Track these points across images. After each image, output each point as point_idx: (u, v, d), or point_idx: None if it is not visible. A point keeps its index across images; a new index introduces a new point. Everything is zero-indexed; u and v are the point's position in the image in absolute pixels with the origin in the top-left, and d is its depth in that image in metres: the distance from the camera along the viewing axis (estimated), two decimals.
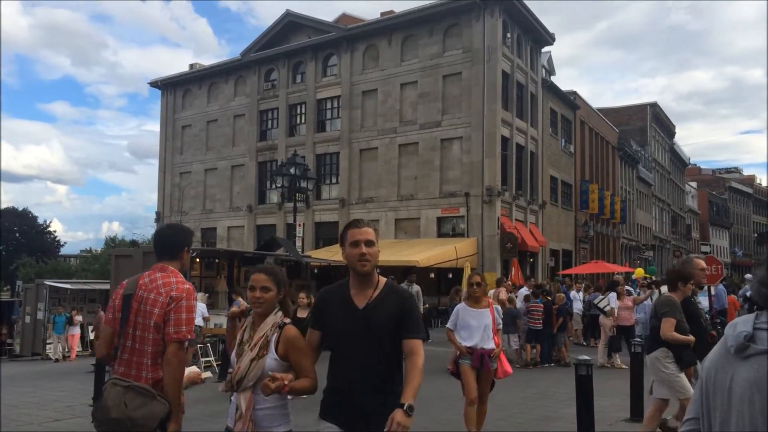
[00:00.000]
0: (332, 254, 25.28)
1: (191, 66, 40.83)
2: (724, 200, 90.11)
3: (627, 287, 17.15)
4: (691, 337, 6.20)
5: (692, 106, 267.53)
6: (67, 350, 19.81)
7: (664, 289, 16.91)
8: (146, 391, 3.30)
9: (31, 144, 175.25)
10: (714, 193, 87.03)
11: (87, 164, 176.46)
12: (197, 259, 16.38)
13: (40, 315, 20.70)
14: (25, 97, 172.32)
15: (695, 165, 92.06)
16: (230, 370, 3.31)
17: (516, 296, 15.52)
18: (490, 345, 6.74)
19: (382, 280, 3.32)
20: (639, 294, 17.27)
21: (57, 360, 19.23)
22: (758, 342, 1.66)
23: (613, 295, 14.10)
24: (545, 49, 34.14)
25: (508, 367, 7.18)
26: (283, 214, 33.15)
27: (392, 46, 30.94)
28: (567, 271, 30.74)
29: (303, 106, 34.47)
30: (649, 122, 57.88)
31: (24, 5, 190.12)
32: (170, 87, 40.94)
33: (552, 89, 34.65)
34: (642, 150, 53.94)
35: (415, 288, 15.99)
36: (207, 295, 14.09)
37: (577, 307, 18.21)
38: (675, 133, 68.80)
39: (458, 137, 28.68)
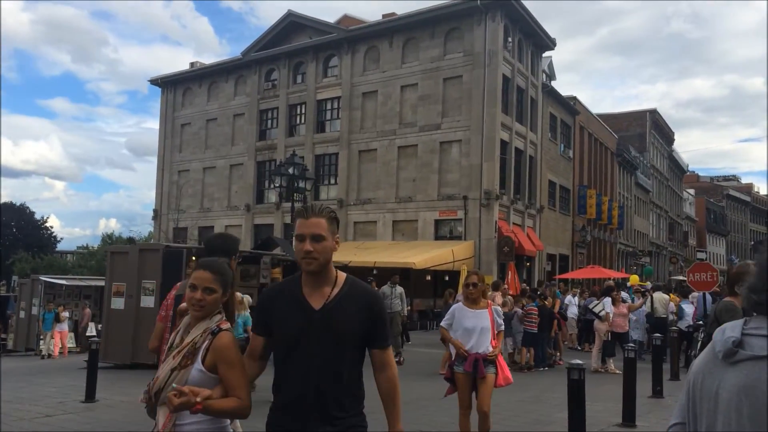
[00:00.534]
0: None
1: (192, 64, 40.87)
2: (722, 208, 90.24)
3: (622, 293, 17.20)
4: None
5: (691, 113, 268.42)
6: (51, 347, 19.45)
7: (657, 295, 16.94)
8: None
9: (30, 140, 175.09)
10: (711, 200, 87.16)
11: (85, 161, 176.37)
12: (193, 258, 16.35)
13: (34, 310, 20.65)
14: (25, 93, 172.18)
15: (693, 172, 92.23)
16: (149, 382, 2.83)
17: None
18: (487, 349, 6.23)
19: (342, 275, 2.80)
20: (634, 301, 17.29)
21: (43, 357, 18.96)
22: (747, 348, 1.65)
23: (608, 299, 14.12)
24: (546, 54, 34.20)
25: (509, 375, 6.59)
26: (281, 214, 33.13)
27: (393, 48, 30.97)
28: (563, 276, 30.78)
29: (303, 106, 34.48)
30: (649, 129, 57.97)
31: (26, 1, 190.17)
32: (170, 85, 40.94)
33: (552, 94, 34.69)
34: (641, 156, 54.03)
35: (399, 289, 15.38)
36: None
37: (572, 311, 18.24)
38: (674, 140, 68.91)
39: (457, 140, 28.70)
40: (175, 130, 40.58)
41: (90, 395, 9.58)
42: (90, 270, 47.00)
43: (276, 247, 21.83)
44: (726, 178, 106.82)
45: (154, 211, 41.21)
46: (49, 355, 19.11)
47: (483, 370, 6.19)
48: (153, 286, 13.45)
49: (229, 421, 2.85)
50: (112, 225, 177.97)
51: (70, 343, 20.56)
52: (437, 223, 29.16)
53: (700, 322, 14.99)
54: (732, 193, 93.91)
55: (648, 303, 16.63)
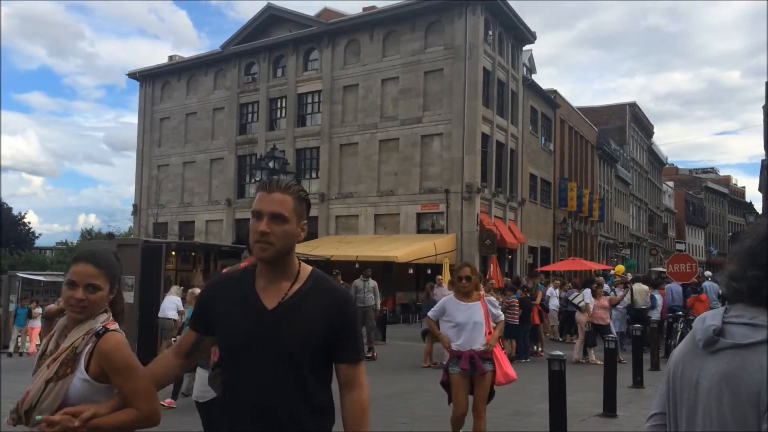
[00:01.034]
0: (311, 249, 25.20)
1: (170, 58, 40.38)
2: (700, 200, 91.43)
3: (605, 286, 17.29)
4: None
5: (669, 106, 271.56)
6: (27, 343, 19.02)
7: (637, 287, 17.06)
8: None
9: (6, 134, 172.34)
10: (690, 192, 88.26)
11: (63, 156, 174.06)
12: (173, 252, 16.20)
13: (12, 307, 20.35)
14: (1, 87, 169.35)
15: (672, 165, 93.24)
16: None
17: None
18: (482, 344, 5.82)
19: (307, 269, 2.25)
20: (616, 293, 17.37)
21: (10, 354, 18.45)
22: (728, 336, 1.63)
23: (587, 291, 14.19)
24: (526, 47, 34.27)
25: (511, 371, 6.13)
26: None
27: (374, 41, 30.85)
28: (545, 268, 30.95)
29: (283, 100, 34.27)
30: (628, 122, 58.45)
31: None
32: (149, 79, 40.44)
33: (533, 87, 34.80)
34: (620, 149, 54.48)
35: (372, 283, 15.00)
36: (182, 288, 13.91)
37: (554, 303, 18.33)
38: (653, 133, 69.57)
39: (439, 134, 28.70)
40: (154, 124, 40.13)
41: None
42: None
43: None
44: (704, 171, 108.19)
45: (134, 206, 40.77)
46: (22, 353, 18.59)
47: (482, 366, 5.78)
48: (132, 281, 13.29)
49: None
50: (92, 221, 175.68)
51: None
52: (419, 216, 29.17)
53: (680, 313, 15.18)
54: (710, 185, 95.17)
55: (628, 295, 16.75)
